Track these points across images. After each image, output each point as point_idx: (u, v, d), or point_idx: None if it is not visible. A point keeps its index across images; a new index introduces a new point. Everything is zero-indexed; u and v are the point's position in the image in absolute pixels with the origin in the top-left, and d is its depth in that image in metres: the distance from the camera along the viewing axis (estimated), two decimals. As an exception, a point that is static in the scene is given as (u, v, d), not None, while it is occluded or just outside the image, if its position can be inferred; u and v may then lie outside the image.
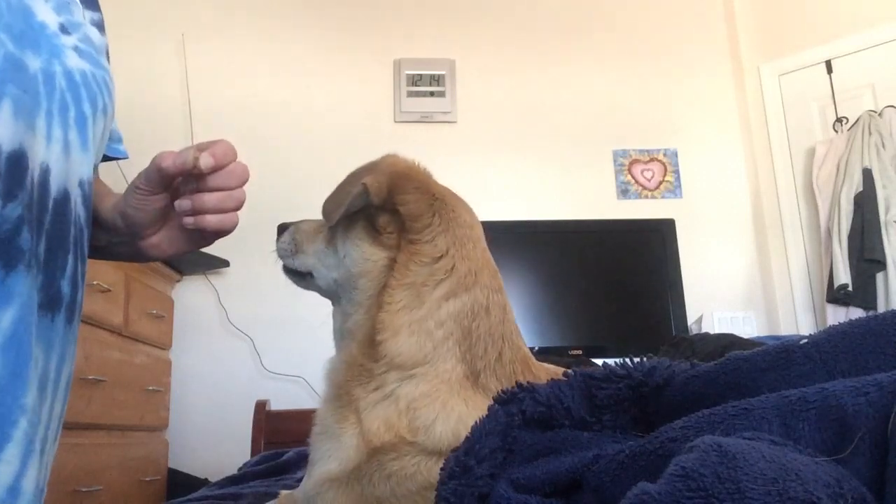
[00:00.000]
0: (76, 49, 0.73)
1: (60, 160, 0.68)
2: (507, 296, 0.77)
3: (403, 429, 0.67)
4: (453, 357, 0.69)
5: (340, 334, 0.80)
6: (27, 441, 0.61)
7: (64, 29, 0.72)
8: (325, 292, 0.85)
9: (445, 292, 0.72)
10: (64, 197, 0.68)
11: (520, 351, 0.73)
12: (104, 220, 0.79)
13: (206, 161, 0.68)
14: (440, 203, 0.77)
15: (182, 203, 0.71)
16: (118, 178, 2.66)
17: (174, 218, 0.76)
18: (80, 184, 0.72)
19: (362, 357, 0.72)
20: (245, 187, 0.74)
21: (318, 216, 0.81)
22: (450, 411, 0.66)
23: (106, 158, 0.92)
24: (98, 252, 0.83)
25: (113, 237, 0.80)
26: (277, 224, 0.92)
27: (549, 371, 0.74)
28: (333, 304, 0.84)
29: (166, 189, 0.73)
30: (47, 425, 0.67)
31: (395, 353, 0.70)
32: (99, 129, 0.76)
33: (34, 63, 0.66)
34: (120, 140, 0.95)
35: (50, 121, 0.67)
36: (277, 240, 0.90)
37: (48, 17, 0.70)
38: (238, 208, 0.73)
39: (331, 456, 0.71)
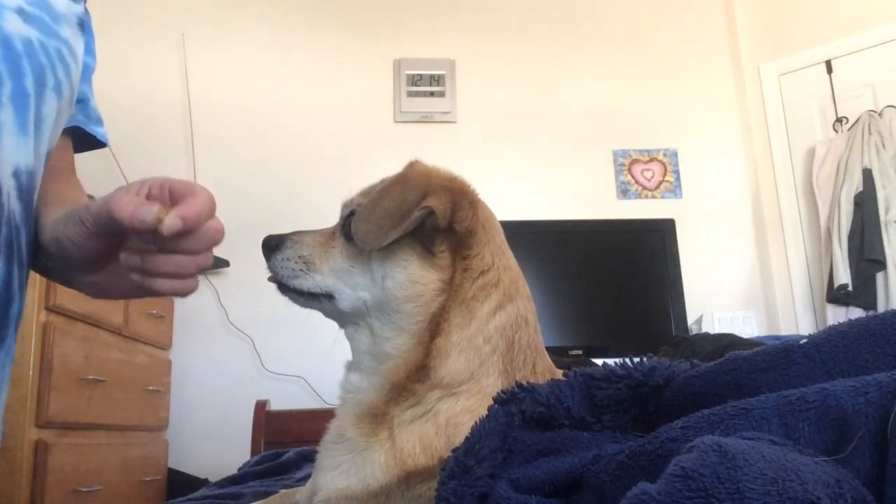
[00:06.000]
0: (21, 12, 0.60)
1: None
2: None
3: (441, 447, 0.63)
4: (496, 370, 0.68)
5: (373, 356, 0.72)
6: None
7: None
8: (342, 314, 0.75)
9: (494, 306, 0.70)
10: None
11: (546, 360, 0.73)
12: (40, 236, 0.65)
13: (171, 225, 0.53)
14: (480, 211, 0.74)
15: (130, 259, 0.57)
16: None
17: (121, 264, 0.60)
18: (16, 174, 0.60)
19: (409, 381, 0.68)
20: (222, 217, 0.59)
21: (318, 216, 0.79)
22: None
23: (85, 145, 0.80)
24: (35, 267, 0.68)
25: (47, 259, 0.66)
26: (262, 240, 0.77)
27: None
28: (350, 324, 0.75)
29: (115, 237, 0.60)
30: None
31: (444, 373, 0.67)
32: (49, 110, 0.63)
33: None
34: (100, 122, 0.81)
35: None
36: (270, 258, 0.76)
37: None
38: (200, 272, 0.60)
39: (348, 471, 0.66)
